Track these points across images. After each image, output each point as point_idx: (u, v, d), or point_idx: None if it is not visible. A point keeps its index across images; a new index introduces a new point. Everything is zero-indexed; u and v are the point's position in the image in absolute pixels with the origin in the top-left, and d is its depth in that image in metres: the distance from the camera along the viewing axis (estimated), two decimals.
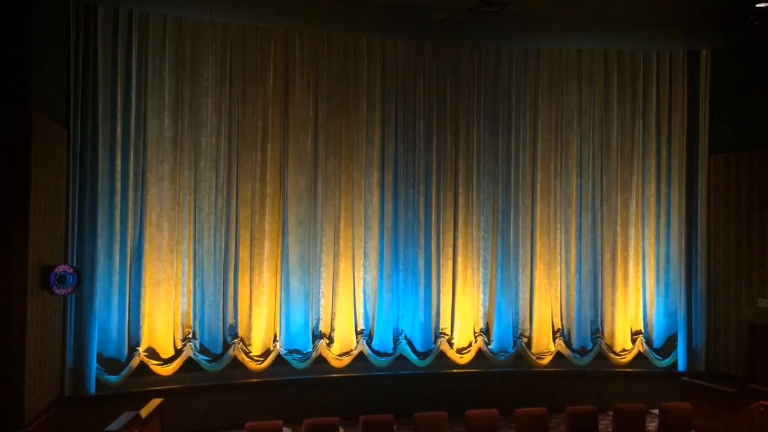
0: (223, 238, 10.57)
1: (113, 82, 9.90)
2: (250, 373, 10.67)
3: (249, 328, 10.70)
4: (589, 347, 11.72)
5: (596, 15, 10.09)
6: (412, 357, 11.32)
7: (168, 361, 10.23)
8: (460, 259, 11.62)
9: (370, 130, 11.32)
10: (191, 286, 10.44)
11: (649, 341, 11.80)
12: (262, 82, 10.82)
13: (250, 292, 10.74)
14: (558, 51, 11.84)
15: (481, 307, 11.63)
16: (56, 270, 8.51)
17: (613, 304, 11.82)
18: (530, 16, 10.03)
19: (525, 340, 11.63)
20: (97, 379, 9.67)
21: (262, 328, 10.76)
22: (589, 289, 11.80)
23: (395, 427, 8.40)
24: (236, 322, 10.65)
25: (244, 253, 10.72)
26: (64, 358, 9.33)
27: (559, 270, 11.80)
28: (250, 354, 10.66)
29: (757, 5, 9.48)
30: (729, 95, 11.53)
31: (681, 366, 11.59)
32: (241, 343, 10.62)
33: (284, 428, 8.17)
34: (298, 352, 10.92)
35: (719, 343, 11.48)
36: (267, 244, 10.80)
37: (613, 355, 11.70)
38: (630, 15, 10.06)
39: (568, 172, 11.87)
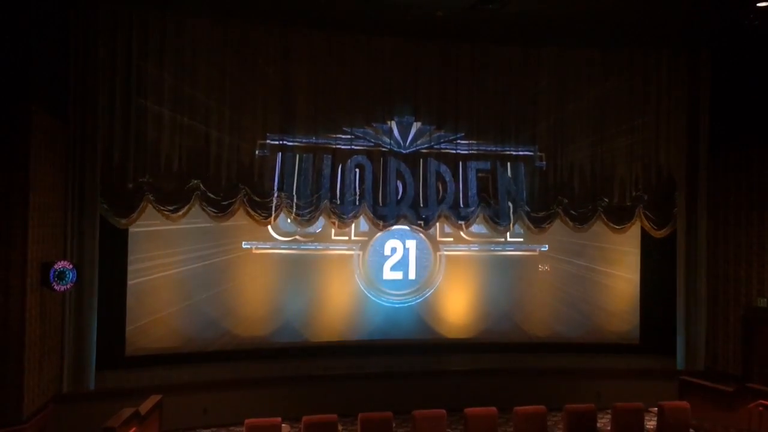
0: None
1: (112, 79, 9.86)
2: (249, 369, 10.76)
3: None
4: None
5: (596, 15, 10.07)
6: None
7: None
8: None
9: (368, 128, 11.28)
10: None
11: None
12: (262, 80, 10.77)
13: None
14: (558, 50, 11.76)
15: None
16: (56, 266, 8.51)
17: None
18: (530, 15, 10.01)
19: None
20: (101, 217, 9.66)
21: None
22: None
23: (394, 425, 8.40)
24: None
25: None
26: (63, 354, 9.34)
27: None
28: None
29: (757, 5, 9.47)
30: (729, 95, 11.51)
31: (680, 365, 11.62)
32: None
33: (283, 425, 8.15)
34: None
35: (718, 342, 11.49)
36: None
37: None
38: (631, 14, 10.04)
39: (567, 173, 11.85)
